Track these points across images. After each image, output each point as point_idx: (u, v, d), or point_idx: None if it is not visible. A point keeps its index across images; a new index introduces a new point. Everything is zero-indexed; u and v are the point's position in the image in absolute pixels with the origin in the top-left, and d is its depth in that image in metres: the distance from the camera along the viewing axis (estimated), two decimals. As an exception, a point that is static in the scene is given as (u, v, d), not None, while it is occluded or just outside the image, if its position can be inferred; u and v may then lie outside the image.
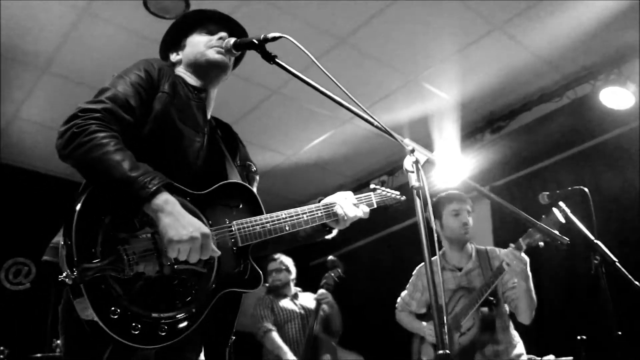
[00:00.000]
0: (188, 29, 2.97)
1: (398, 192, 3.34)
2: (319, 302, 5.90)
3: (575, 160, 6.77)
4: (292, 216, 2.74)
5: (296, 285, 6.51)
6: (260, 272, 2.60)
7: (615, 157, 6.35)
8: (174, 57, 2.96)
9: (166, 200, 2.23)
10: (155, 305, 2.21)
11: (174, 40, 3.00)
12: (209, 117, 2.91)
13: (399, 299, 5.14)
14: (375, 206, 3.13)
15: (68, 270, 2.09)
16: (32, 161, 7.84)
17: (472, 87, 6.80)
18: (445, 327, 2.14)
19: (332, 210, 2.90)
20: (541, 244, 4.06)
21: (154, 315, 2.20)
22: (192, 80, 2.85)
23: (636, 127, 6.27)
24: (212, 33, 2.91)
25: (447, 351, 2.02)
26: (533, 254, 4.19)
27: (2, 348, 5.67)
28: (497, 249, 4.80)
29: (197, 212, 2.45)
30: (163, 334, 2.20)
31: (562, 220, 3.89)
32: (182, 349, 2.52)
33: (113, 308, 2.11)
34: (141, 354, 2.28)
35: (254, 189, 2.82)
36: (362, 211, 2.99)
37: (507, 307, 4.62)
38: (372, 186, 3.20)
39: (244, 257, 2.57)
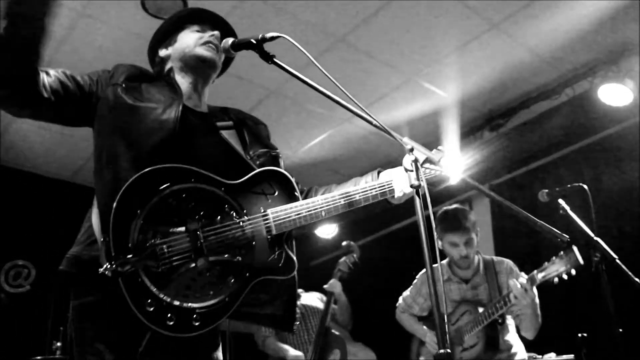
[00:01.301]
0: (179, 27, 2.98)
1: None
2: (330, 294, 5.87)
3: (574, 158, 6.78)
4: (327, 201, 2.71)
5: (303, 287, 6.50)
6: (295, 258, 2.60)
7: (615, 153, 6.36)
8: (163, 52, 2.97)
9: None
10: (189, 296, 2.25)
11: (164, 37, 3.00)
12: (201, 103, 2.91)
13: (400, 300, 5.12)
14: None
15: (107, 264, 2.13)
16: (32, 163, 7.84)
17: (470, 85, 6.80)
18: (447, 333, 2.14)
19: (380, 190, 2.84)
20: (556, 280, 4.04)
21: (188, 305, 2.24)
22: (179, 76, 2.89)
23: (635, 123, 6.27)
24: (203, 31, 2.94)
25: (448, 350, 2.03)
26: (534, 255, 4.19)
27: None
28: (504, 261, 4.77)
29: (231, 202, 2.48)
30: (197, 323, 2.24)
31: (581, 261, 3.85)
32: (198, 344, 2.56)
33: (149, 300, 2.16)
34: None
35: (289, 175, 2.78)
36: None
37: (511, 319, 4.62)
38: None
39: (278, 245, 2.57)
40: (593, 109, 6.36)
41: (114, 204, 2.21)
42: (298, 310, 6.09)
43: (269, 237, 2.53)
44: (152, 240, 2.23)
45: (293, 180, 2.75)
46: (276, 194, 2.66)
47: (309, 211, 2.65)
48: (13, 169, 7.86)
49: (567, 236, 3.72)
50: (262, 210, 2.56)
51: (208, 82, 2.97)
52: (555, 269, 4.03)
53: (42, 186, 7.94)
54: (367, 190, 2.83)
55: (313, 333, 5.94)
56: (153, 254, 2.21)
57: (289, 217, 2.59)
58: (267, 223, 2.54)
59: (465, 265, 4.73)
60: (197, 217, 2.35)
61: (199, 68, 2.88)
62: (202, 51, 2.86)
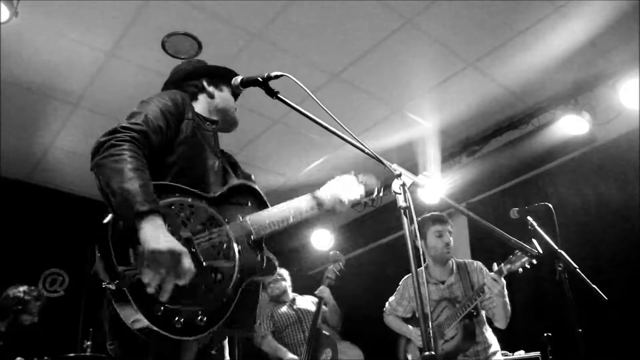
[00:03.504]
0: (214, 77, 3.00)
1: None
2: (320, 299, 5.82)
3: (540, 179, 6.77)
4: (292, 207, 2.77)
5: (298, 292, 6.46)
6: (275, 259, 2.60)
7: (574, 176, 6.38)
8: (192, 89, 2.93)
9: (156, 219, 2.11)
10: (191, 299, 2.18)
11: (200, 79, 2.98)
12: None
13: (387, 304, 5.09)
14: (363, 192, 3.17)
15: (109, 278, 2.06)
16: (67, 184, 7.83)
17: (450, 116, 6.82)
18: (431, 333, 2.13)
19: (322, 198, 2.93)
20: (520, 270, 4.03)
21: (192, 308, 2.17)
22: (207, 114, 2.87)
23: (590, 150, 6.31)
24: (235, 96, 3.01)
25: (433, 352, 2.02)
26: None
27: (46, 358, 5.64)
28: (474, 262, 4.77)
29: (213, 212, 2.46)
30: (202, 324, 2.18)
31: (540, 251, 3.84)
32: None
33: (157, 306, 2.07)
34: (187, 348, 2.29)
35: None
36: (359, 193, 3.10)
37: (484, 313, 4.60)
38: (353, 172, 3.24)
39: (259, 248, 2.56)
40: (555, 137, 6.39)
41: (108, 220, 2.15)
42: (294, 313, 6.07)
43: (250, 241, 2.52)
44: None
45: (261, 192, 2.78)
46: (249, 204, 2.68)
47: (279, 215, 2.68)
48: (50, 189, 7.87)
49: (536, 250, 3.71)
50: (241, 218, 2.56)
51: None
52: (519, 260, 4.02)
53: (75, 204, 7.92)
54: (318, 196, 2.93)
55: (307, 333, 5.88)
56: None
57: (265, 222, 2.61)
58: (247, 228, 2.54)
59: (447, 257, 4.70)
60: (186, 226, 2.31)
61: (228, 126, 3.00)
62: (237, 119, 3.01)
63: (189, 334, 2.14)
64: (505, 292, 4.24)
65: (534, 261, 3.95)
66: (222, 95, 2.96)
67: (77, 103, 6.21)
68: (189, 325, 2.14)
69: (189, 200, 2.40)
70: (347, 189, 3.03)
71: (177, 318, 2.11)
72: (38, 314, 6.04)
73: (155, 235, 2.06)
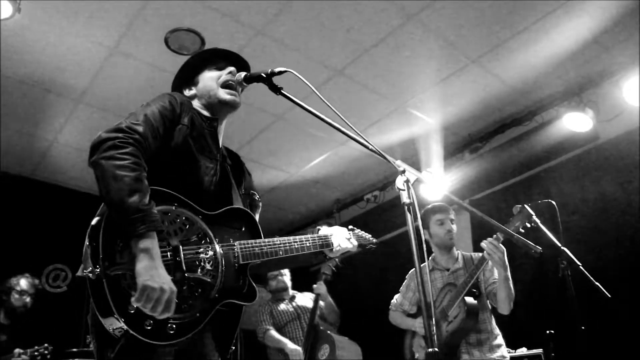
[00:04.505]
0: (199, 67, 2.90)
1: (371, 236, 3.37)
2: (316, 295, 5.81)
3: (543, 176, 6.76)
4: (285, 243, 2.74)
5: (298, 289, 6.46)
6: (256, 288, 2.59)
7: (578, 173, 6.36)
8: (187, 92, 2.88)
9: (152, 246, 2.14)
10: None
11: (186, 77, 2.92)
12: (220, 144, 2.88)
13: (392, 301, 5.08)
14: (357, 244, 3.15)
15: (92, 267, 2.08)
16: (69, 180, 7.85)
17: (453, 112, 6.82)
18: (434, 322, 2.14)
19: (324, 241, 2.94)
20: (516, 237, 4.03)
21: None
22: (205, 112, 2.81)
23: (594, 147, 6.30)
24: (221, 69, 2.87)
25: (436, 349, 2.01)
26: (508, 259, 4.16)
27: (46, 344, 5.66)
28: (480, 254, 4.77)
29: (205, 229, 2.46)
30: (172, 332, 2.18)
31: (532, 213, 3.87)
32: (203, 355, 2.51)
33: (130, 305, 2.09)
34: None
35: (256, 216, 2.80)
36: (352, 244, 3.06)
37: (489, 303, 4.59)
38: (350, 227, 3.20)
39: (243, 274, 2.55)
40: (558, 135, 6.38)
41: (105, 214, 2.18)
42: (293, 310, 6.05)
43: (236, 265, 2.52)
44: None
45: (257, 221, 2.75)
46: (243, 229, 2.66)
47: (269, 248, 2.66)
48: (54, 184, 7.89)
49: (540, 247, 3.70)
50: (232, 241, 2.55)
51: (227, 116, 2.92)
52: (514, 225, 4.02)
53: (78, 200, 7.92)
54: (315, 239, 2.91)
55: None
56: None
57: (253, 250, 2.59)
58: (235, 252, 2.53)
59: (450, 243, 4.71)
60: (177, 235, 2.33)
61: (222, 109, 2.83)
62: (225, 95, 2.79)
63: (157, 339, 2.14)
64: (507, 264, 4.20)
65: (528, 224, 3.97)
66: (198, 87, 2.87)
67: (80, 99, 6.21)
68: (158, 330, 2.14)
69: (186, 212, 2.42)
70: (343, 239, 3.03)
71: (148, 320, 2.12)
72: (27, 293, 6.06)
73: (150, 271, 2.10)
